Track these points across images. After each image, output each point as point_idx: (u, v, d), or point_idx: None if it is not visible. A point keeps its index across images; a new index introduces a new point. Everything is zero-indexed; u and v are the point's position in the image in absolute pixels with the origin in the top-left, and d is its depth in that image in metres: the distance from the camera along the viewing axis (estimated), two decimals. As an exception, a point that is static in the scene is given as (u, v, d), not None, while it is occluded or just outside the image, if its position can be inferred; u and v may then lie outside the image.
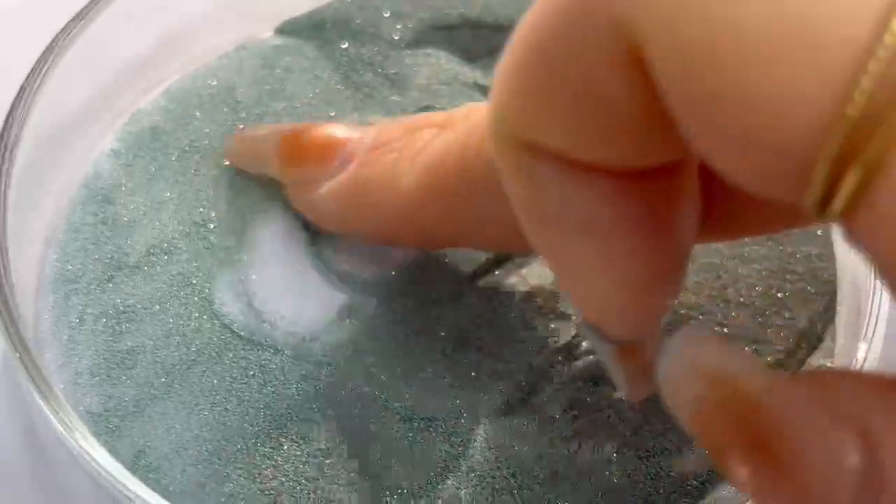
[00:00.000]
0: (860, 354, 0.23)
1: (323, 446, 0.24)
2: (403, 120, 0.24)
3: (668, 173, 0.16)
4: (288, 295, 0.26)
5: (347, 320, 0.26)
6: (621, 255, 0.16)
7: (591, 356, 0.25)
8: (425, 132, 0.22)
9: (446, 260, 0.26)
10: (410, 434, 0.24)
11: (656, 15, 0.12)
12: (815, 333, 0.26)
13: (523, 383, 0.24)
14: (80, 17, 0.28)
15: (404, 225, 0.23)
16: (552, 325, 0.25)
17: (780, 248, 0.27)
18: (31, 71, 0.27)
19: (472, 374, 0.24)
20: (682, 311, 0.25)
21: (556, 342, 0.25)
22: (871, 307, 0.23)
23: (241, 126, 0.28)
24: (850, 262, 0.26)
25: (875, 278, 0.24)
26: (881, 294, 0.24)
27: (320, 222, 0.26)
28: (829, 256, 0.27)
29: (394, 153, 0.23)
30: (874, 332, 0.23)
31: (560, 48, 0.14)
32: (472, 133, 0.21)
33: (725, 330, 0.25)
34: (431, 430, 0.24)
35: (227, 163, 0.28)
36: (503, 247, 0.25)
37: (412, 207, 0.22)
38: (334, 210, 0.24)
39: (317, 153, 0.24)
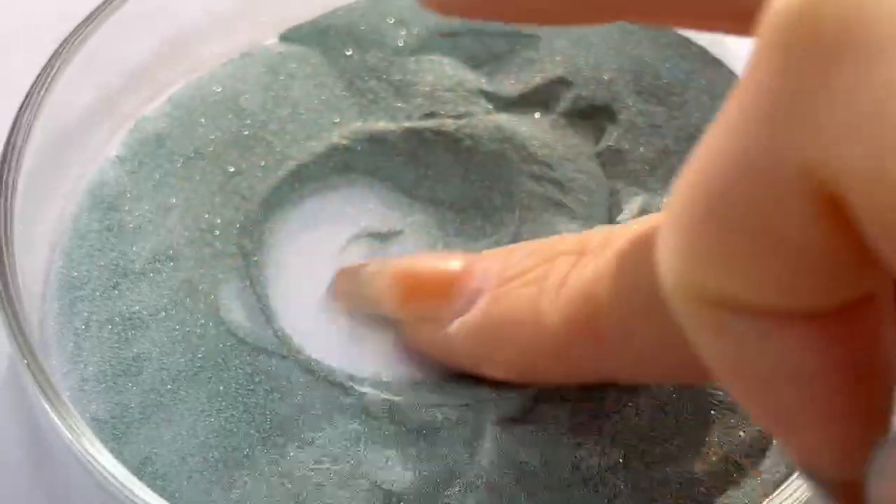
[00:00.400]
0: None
1: (329, 453, 0.24)
2: (527, 246, 0.23)
3: (867, 305, 0.15)
4: (298, 301, 0.26)
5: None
6: (831, 396, 0.15)
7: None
8: (561, 262, 0.21)
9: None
10: (417, 441, 0.24)
11: (859, 163, 0.12)
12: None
13: (530, 390, 0.24)
14: (85, 25, 0.28)
15: (552, 364, 0.22)
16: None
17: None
18: (37, 78, 0.27)
19: (479, 380, 0.24)
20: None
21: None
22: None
23: (341, 266, 0.27)
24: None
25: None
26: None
27: (449, 361, 0.24)
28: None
29: (530, 287, 0.22)
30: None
31: (744, 200, 0.13)
32: (622, 263, 0.20)
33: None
34: (438, 436, 0.24)
35: (334, 300, 0.26)
36: (669, 380, 0.24)
37: (560, 346, 0.21)
38: (467, 349, 0.23)
39: (440, 290, 0.23)
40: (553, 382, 0.24)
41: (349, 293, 0.26)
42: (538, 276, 0.22)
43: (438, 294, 0.23)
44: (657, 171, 0.28)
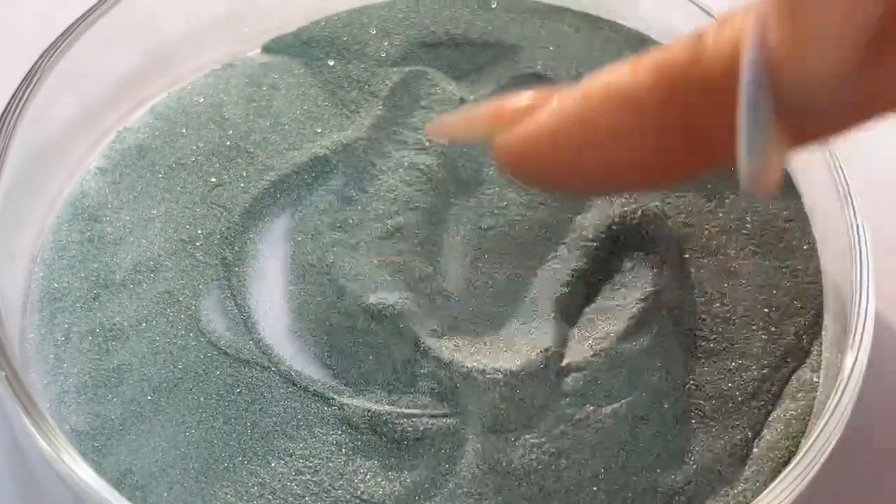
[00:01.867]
0: (847, 365, 0.23)
1: (309, 464, 0.24)
2: None
3: None
4: (280, 311, 0.26)
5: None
6: None
7: (580, 373, 0.25)
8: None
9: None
10: (398, 451, 0.24)
11: None
12: (802, 347, 0.26)
13: (512, 399, 0.24)
14: (66, 35, 0.28)
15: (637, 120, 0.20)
16: (541, 341, 0.25)
17: (767, 262, 0.27)
18: (17, 90, 0.27)
19: (460, 389, 0.24)
20: (669, 325, 0.25)
21: (544, 358, 0.25)
22: (857, 320, 0.24)
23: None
24: (835, 274, 0.26)
25: (860, 290, 0.24)
26: (866, 306, 0.24)
27: (541, 157, 0.22)
28: (815, 271, 0.27)
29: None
30: (860, 344, 0.23)
31: None
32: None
33: (712, 345, 0.26)
34: (419, 447, 0.24)
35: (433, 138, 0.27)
36: None
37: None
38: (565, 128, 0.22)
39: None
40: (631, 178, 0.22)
41: (448, 126, 0.25)
42: None
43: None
44: None
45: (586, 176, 0.21)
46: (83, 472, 0.21)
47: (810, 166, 0.27)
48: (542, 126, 0.21)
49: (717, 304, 0.26)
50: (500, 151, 0.22)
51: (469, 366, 0.24)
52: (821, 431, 0.22)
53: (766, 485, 0.23)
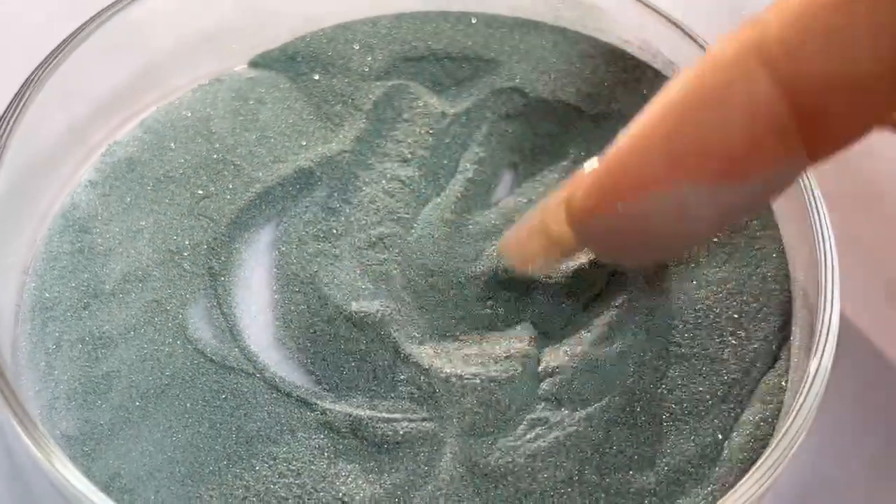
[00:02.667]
0: (811, 370, 0.24)
1: (293, 467, 0.24)
2: None
3: None
4: (264, 319, 0.27)
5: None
6: None
7: (556, 377, 0.25)
8: None
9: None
10: (378, 455, 0.25)
11: None
12: (771, 352, 0.26)
13: (489, 403, 0.25)
14: (57, 52, 0.29)
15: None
16: (517, 347, 0.26)
17: (738, 269, 0.28)
18: (9, 105, 0.27)
19: (438, 394, 0.25)
20: (642, 331, 0.26)
21: (521, 363, 0.26)
22: (821, 325, 0.24)
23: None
24: (804, 281, 0.27)
25: (825, 296, 0.25)
26: (830, 312, 0.24)
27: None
28: (784, 278, 0.27)
29: None
30: (824, 347, 0.24)
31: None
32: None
33: (684, 350, 0.26)
34: (399, 450, 0.25)
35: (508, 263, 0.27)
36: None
37: None
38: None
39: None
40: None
41: (520, 253, 0.27)
42: None
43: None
44: None
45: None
46: (73, 477, 0.22)
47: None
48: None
49: (689, 311, 0.27)
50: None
51: (447, 371, 0.25)
52: (784, 433, 0.23)
53: (733, 484, 0.24)
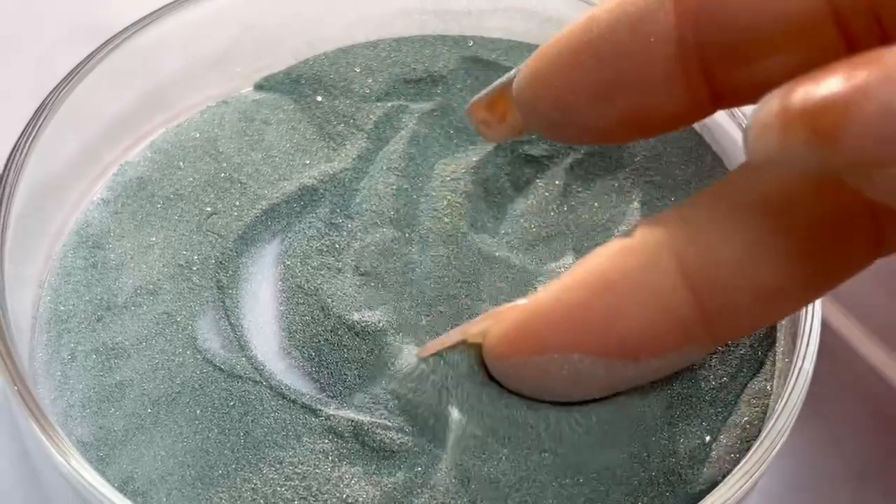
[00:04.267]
0: (793, 374, 0.25)
1: (298, 470, 0.25)
2: None
3: None
4: (270, 330, 0.28)
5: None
6: None
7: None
8: None
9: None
10: (380, 459, 0.26)
11: None
12: (757, 357, 0.27)
13: (485, 407, 0.26)
14: (71, 77, 0.30)
15: None
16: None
17: (724, 279, 0.29)
18: (25, 128, 0.29)
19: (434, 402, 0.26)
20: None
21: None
22: (804, 330, 0.25)
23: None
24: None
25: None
26: (812, 318, 0.25)
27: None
28: (769, 286, 0.29)
29: None
30: (805, 353, 0.25)
31: None
32: None
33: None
34: (398, 455, 0.25)
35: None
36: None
37: None
38: None
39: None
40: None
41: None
42: None
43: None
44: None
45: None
46: (91, 477, 0.23)
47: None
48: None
49: (678, 319, 0.28)
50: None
51: (432, 386, 0.26)
52: (766, 434, 0.24)
53: (713, 486, 0.25)
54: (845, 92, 0.15)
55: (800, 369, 0.25)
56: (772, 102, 0.16)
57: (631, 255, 0.22)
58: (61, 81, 0.30)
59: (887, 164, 0.15)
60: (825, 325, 0.26)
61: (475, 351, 0.25)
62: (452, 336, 0.25)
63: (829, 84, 0.15)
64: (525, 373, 0.24)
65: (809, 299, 0.24)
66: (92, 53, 0.31)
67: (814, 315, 0.26)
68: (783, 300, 0.22)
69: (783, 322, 0.28)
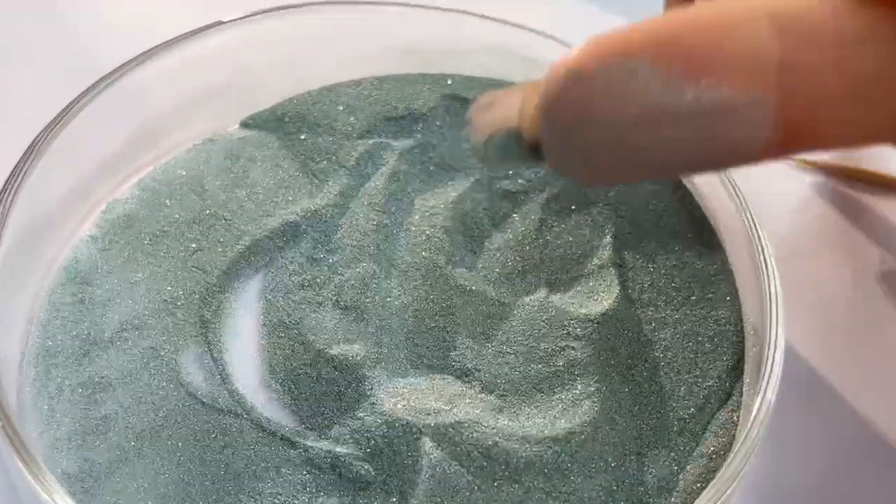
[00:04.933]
0: (756, 403, 0.25)
1: (277, 501, 0.26)
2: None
3: None
4: (252, 363, 0.29)
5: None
6: None
7: (511, 410, 0.27)
8: None
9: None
10: (356, 489, 0.26)
11: None
12: (725, 389, 0.28)
13: (457, 439, 0.27)
14: (62, 116, 0.31)
15: None
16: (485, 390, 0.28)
17: (694, 313, 0.29)
18: (16, 165, 0.29)
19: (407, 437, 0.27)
20: (607, 371, 0.28)
21: (492, 409, 0.28)
22: (767, 363, 0.26)
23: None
24: (755, 321, 0.28)
25: (770, 336, 0.26)
26: (775, 347, 0.26)
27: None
28: (737, 319, 0.29)
29: None
30: (767, 385, 0.26)
31: None
32: None
33: (644, 387, 0.28)
34: (370, 489, 0.26)
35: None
36: None
37: None
38: None
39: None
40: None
41: (486, 117, 0.25)
42: None
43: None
44: None
45: None
46: (72, 511, 0.24)
47: (732, 224, 0.30)
48: None
49: (649, 351, 0.29)
50: None
51: (408, 419, 0.27)
52: (730, 463, 0.25)
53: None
54: None
55: (762, 400, 0.25)
56: None
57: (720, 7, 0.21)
58: (52, 120, 0.31)
59: None
60: (792, 355, 0.27)
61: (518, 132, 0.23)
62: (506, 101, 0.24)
63: None
64: (586, 103, 0.22)
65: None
66: (83, 93, 0.32)
67: (776, 347, 0.26)
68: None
69: (750, 353, 0.28)
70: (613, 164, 0.22)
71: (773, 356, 0.26)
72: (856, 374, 0.30)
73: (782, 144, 0.21)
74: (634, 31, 0.21)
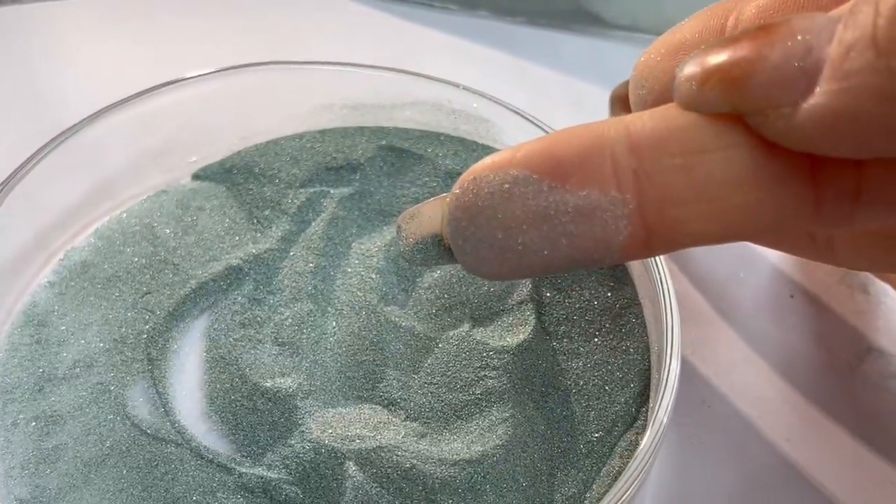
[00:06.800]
0: (652, 428, 0.28)
1: (214, 523, 0.28)
2: None
3: None
4: (194, 397, 0.31)
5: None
6: None
7: (428, 437, 0.29)
8: None
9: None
10: None
11: None
12: (631, 413, 0.30)
13: (379, 462, 0.29)
14: (21, 169, 0.33)
15: None
16: (412, 416, 0.30)
17: (604, 343, 0.32)
18: (-22, 218, 0.32)
19: (337, 463, 0.29)
20: (522, 399, 0.30)
21: (416, 433, 0.30)
22: (664, 380, 0.28)
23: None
24: (659, 351, 0.31)
25: (669, 360, 0.29)
26: (669, 371, 0.28)
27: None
28: (644, 349, 0.32)
29: None
30: (658, 409, 0.28)
31: None
32: None
33: (557, 411, 0.30)
34: None
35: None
36: None
37: None
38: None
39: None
40: None
41: (412, 225, 0.26)
42: None
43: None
44: None
45: None
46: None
47: (639, 263, 0.32)
48: None
49: (561, 380, 0.31)
50: None
51: (334, 445, 0.29)
52: (625, 480, 0.27)
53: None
54: (751, 51, 0.20)
55: (654, 419, 0.28)
56: (696, 59, 0.21)
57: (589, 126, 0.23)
58: (12, 173, 0.33)
59: (779, 106, 0.20)
60: (692, 377, 0.29)
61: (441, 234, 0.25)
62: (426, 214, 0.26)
63: (742, 45, 0.21)
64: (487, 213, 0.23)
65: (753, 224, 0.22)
66: (42, 147, 0.34)
67: (670, 369, 0.29)
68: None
69: (654, 379, 0.31)
70: (504, 261, 0.24)
71: (667, 379, 0.28)
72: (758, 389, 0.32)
73: (644, 244, 0.22)
74: (519, 148, 0.23)
